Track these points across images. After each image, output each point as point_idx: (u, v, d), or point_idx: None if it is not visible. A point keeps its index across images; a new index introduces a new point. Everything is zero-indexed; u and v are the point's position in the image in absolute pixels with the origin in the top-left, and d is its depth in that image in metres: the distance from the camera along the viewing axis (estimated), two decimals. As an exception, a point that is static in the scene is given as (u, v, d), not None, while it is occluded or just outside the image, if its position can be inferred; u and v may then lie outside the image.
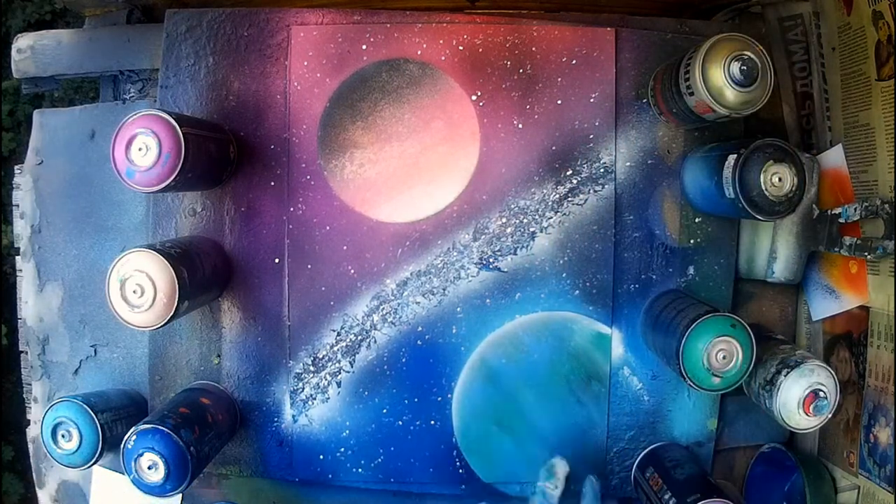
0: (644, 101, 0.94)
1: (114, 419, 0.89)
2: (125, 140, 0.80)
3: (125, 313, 0.81)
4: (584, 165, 0.94)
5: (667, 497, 0.86)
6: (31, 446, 1.03)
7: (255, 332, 0.96)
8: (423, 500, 0.99)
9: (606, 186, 0.94)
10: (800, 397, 0.82)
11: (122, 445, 0.80)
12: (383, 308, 0.95)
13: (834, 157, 0.92)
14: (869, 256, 0.85)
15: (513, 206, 0.94)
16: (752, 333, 0.81)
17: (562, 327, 0.95)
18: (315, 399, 0.96)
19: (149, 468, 0.80)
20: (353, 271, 0.94)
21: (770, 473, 0.98)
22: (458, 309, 0.95)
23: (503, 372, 0.95)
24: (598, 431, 0.96)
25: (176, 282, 0.80)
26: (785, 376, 0.83)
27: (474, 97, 0.93)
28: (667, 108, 0.90)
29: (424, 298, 0.95)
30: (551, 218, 0.94)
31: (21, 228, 1.01)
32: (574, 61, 0.93)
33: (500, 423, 0.95)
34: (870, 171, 0.88)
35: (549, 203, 0.94)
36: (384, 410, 0.95)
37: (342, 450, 0.96)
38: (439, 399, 0.95)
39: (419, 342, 0.95)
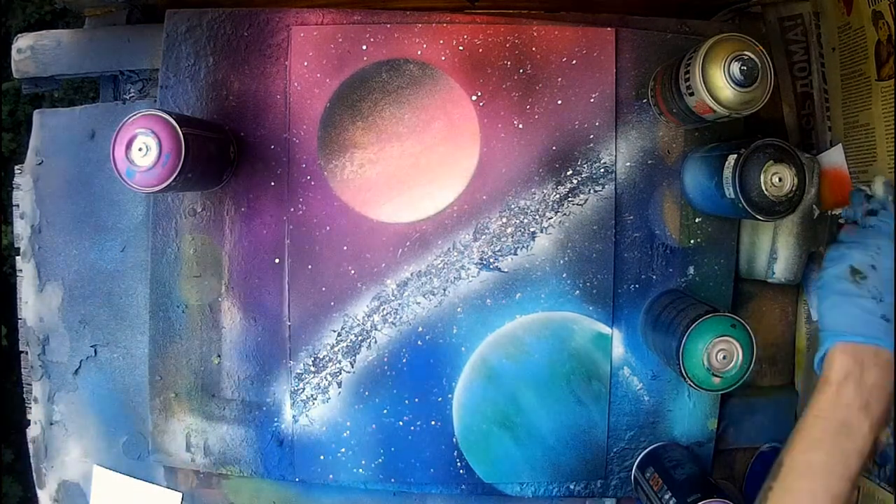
0: (644, 101, 0.94)
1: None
2: (125, 140, 0.80)
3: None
4: (585, 165, 0.94)
5: (667, 497, 0.86)
6: (31, 447, 1.03)
7: (255, 332, 0.96)
8: (423, 500, 1.00)
9: (607, 186, 0.94)
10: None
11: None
12: (384, 308, 0.95)
13: (834, 157, 0.92)
14: (869, 256, 0.85)
15: (513, 206, 0.94)
16: (752, 333, 0.81)
17: (562, 327, 0.95)
18: (316, 399, 0.96)
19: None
20: (353, 272, 0.94)
21: (770, 473, 0.98)
22: (459, 309, 0.95)
23: (503, 372, 0.95)
24: (598, 431, 0.96)
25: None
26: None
27: (474, 97, 0.93)
28: (667, 108, 0.90)
29: (425, 299, 0.95)
30: (551, 218, 0.94)
31: (21, 228, 1.01)
32: (574, 61, 0.93)
33: (501, 423, 0.95)
34: (870, 171, 0.88)
35: (550, 203, 0.94)
36: (385, 410, 0.95)
37: (343, 450, 0.96)
38: (440, 399, 0.95)
39: (420, 342, 0.95)
